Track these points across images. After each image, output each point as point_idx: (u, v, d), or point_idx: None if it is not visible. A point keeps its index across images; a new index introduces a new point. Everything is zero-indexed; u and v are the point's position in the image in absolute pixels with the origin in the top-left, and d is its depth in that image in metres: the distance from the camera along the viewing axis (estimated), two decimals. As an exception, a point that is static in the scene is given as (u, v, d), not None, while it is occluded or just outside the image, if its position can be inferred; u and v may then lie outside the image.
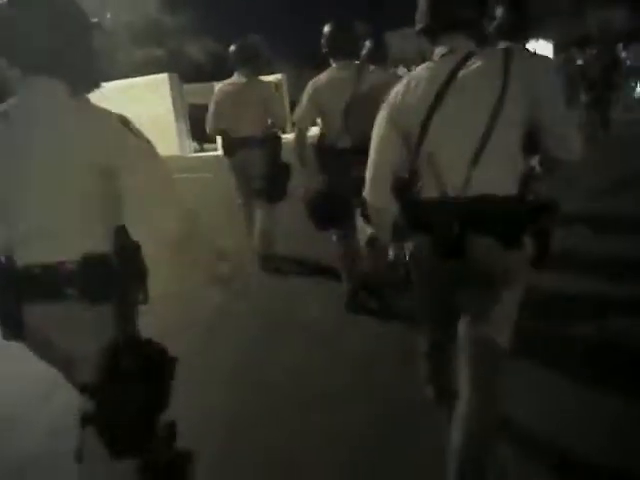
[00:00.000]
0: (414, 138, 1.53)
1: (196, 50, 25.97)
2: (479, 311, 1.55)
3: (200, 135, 13.59)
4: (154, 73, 14.68)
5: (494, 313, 1.53)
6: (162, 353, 1.41)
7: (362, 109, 2.78)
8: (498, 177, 1.47)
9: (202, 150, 14.81)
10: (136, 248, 1.42)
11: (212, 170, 8.90)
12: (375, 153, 1.65)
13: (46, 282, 1.33)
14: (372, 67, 3.04)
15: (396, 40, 17.88)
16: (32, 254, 1.33)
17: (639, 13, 21.57)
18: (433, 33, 1.57)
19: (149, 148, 1.42)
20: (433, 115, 1.48)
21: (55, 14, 1.32)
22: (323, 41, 3.03)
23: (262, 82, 4.10)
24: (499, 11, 2.69)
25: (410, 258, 1.64)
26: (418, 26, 1.60)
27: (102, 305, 1.36)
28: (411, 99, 1.53)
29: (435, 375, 1.94)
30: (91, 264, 1.33)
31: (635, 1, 21.30)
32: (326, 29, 3.01)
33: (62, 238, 1.34)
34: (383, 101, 1.56)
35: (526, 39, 3.00)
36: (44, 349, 1.46)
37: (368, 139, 1.55)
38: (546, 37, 16.50)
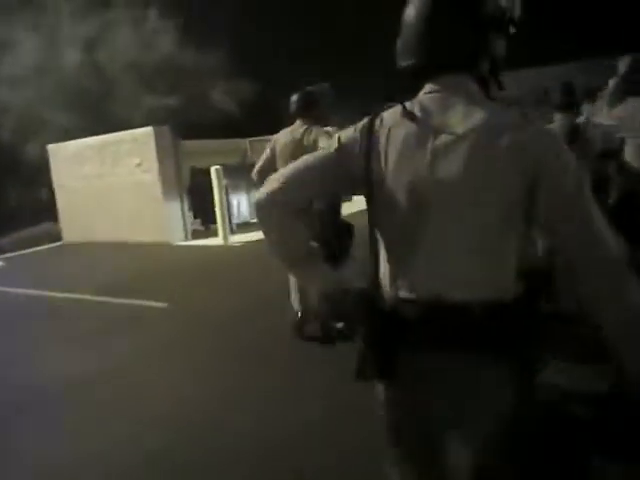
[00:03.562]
0: None
1: (223, 96, 20.80)
2: None
3: (208, 211, 9.51)
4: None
5: None
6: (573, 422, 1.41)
7: None
8: None
9: (205, 233, 10.07)
10: (537, 299, 1.24)
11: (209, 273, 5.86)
12: None
13: (438, 325, 1.11)
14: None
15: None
16: (424, 286, 1.13)
17: None
18: None
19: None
20: None
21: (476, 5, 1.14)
22: None
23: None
24: None
25: None
26: None
27: (502, 363, 1.12)
28: None
29: None
30: (499, 311, 1.10)
31: None
32: None
33: (471, 272, 1.10)
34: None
35: None
36: (407, 405, 1.23)
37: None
38: None
